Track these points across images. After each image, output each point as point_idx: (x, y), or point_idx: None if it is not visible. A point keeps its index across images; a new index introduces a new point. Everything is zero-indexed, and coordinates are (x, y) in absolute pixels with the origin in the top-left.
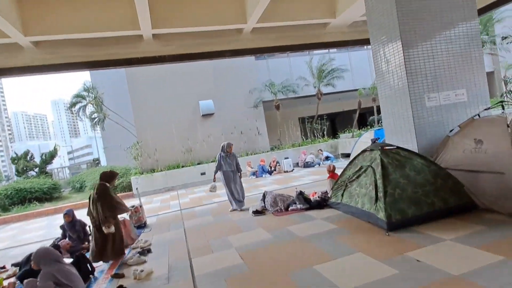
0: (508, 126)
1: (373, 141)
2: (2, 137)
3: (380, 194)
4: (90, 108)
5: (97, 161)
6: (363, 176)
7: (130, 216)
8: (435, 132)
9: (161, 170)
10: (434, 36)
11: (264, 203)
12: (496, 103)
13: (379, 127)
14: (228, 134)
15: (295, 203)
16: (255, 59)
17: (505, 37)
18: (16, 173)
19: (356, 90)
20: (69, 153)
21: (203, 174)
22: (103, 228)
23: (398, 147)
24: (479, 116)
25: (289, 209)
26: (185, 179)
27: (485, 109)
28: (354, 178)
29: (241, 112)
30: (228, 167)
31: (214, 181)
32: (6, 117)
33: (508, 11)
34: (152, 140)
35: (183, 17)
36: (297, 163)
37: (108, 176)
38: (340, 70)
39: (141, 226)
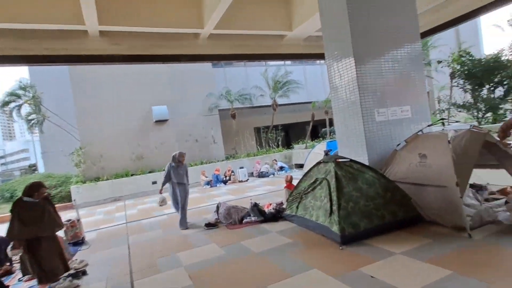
0: (449, 142)
1: (326, 153)
2: None
3: (334, 207)
4: (26, 109)
5: (34, 167)
6: (318, 188)
7: (65, 232)
8: (384, 146)
9: (107, 179)
10: (383, 54)
11: (217, 215)
12: (437, 121)
13: (331, 139)
14: (182, 142)
15: (250, 215)
16: (212, 67)
17: (440, 61)
18: None
19: (310, 102)
20: (2, 157)
21: (154, 183)
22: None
23: (351, 160)
24: (422, 132)
25: (243, 221)
26: (135, 189)
27: (428, 126)
28: (309, 190)
29: (197, 119)
30: (178, 179)
31: (160, 193)
32: None
33: (441, 39)
34: (97, 146)
35: (136, 15)
36: (252, 173)
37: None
38: (295, 83)
39: (78, 242)
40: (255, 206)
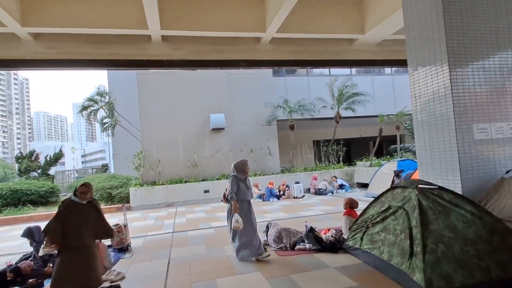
0: None
1: (396, 174)
2: (21, 135)
3: (417, 248)
4: (102, 113)
5: (106, 167)
6: (391, 219)
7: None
8: (484, 172)
9: (163, 184)
10: (488, 57)
11: (266, 236)
12: None
13: (402, 158)
14: (237, 151)
15: (304, 241)
16: (273, 76)
17: None
18: (18, 172)
19: (376, 116)
20: (83, 156)
21: (206, 192)
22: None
23: (440, 188)
24: None
25: (295, 247)
26: (187, 196)
27: None
28: (378, 219)
29: (253, 129)
30: (246, 195)
31: (236, 211)
32: (28, 116)
33: None
34: (156, 151)
35: (196, 19)
36: (308, 189)
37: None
38: (362, 95)
39: (123, 249)
40: (311, 231)
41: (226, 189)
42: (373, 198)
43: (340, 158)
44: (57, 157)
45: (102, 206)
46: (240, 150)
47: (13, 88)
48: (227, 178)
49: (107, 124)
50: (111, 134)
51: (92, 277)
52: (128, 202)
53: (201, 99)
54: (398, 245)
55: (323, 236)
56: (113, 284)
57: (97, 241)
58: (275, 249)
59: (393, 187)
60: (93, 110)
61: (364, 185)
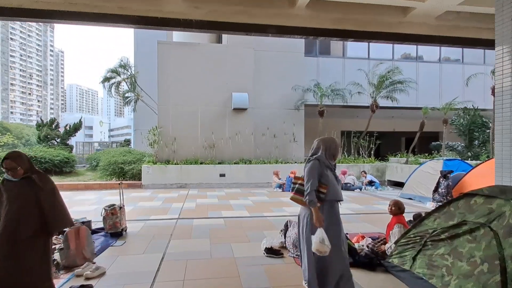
0: None
1: (444, 175)
2: (55, 106)
3: None
4: (125, 87)
5: (128, 143)
6: (465, 239)
7: (104, 219)
8: None
9: (177, 163)
10: None
11: (284, 238)
12: None
13: (448, 157)
14: (258, 135)
15: None
16: (305, 55)
17: None
18: (37, 140)
19: (418, 108)
20: (110, 130)
21: (222, 175)
22: None
23: None
24: None
25: None
26: (201, 178)
27: None
28: (443, 236)
29: (279, 112)
30: (338, 193)
31: (321, 224)
32: (62, 88)
33: None
34: (173, 128)
35: None
36: None
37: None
38: (406, 83)
39: (117, 233)
40: None
41: (294, 178)
42: (409, 200)
43: (372, 152)
44: (76, 128)
45: (113, 181)
46: (262, 134)
47: (49, 60)
48: (245, 162)
49: (129, 98)
50: (133, 109)
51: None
52: (140, 179)
53: (225, 76)
54: (476, 279)
55: (356, 245)
56: (85, 284)
57: (77, 224)
58: (294, 255)
59: (468, 194)
60: (115, 82)
61: (397, 184)
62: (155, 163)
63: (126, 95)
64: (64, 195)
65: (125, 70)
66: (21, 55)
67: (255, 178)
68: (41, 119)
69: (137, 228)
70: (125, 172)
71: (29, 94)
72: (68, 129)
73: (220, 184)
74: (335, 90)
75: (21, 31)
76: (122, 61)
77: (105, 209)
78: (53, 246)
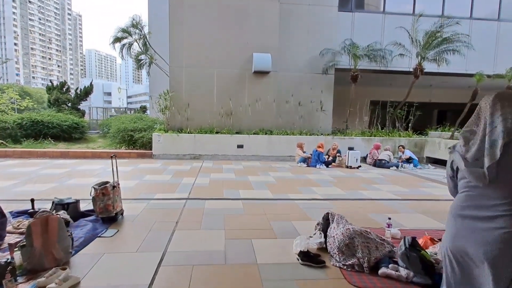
0: None
1: None
2: (74, 71)
3: None
4: (137, 49)
5: (144, 109)
6: None
7: (93, 200)
8: None
9: (190, 132)
10: None
11: (325, 237)
12: None
13: None
14: (282, 102)
15: (395, 262)
16: (338, 9)
17: None
18: (48, 103)
19: (469, 75)
20: (128, 97)
21: (240, 147)
22: None
23: None
24: None
25: (379, 271)
26: (217, 149)
27: None
28: None
29: (305, 77)
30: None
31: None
32: (80, 53)
33: None
34: (186, 92)
35: None
36: (364, 158)
37: None
38: (461, 42)
39: (110, 218)
40: (414, 249)
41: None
42: None
43: (410, 125)
44: (87, 91)
45: (123, 150)
46: (285, 101)
47: (67, 24)
48: (266, 133)
49: (142, 61)
50: (147, 73)
51: None
52: (150, 148)
53: (245, 34)
54: None
55: (428, 252)
56: None
57: (45, 213)
58: (340, 265)
59: None
60: (127, 43)
61: (437, 162)
62: (166, 131)
63: (139, 57)
64: (68, 164)
65: (137, 30)
66: (40, 19)
67: (276, 150)
68: (51, 81)
69: (137, 211)
70: (135, 140)
71: (49, 59)
72: (79, 93)
73: (237, 156)
74: (374, 51)
75: None
76: (134, 20)
77: (94, 188)
78: (11, 242)
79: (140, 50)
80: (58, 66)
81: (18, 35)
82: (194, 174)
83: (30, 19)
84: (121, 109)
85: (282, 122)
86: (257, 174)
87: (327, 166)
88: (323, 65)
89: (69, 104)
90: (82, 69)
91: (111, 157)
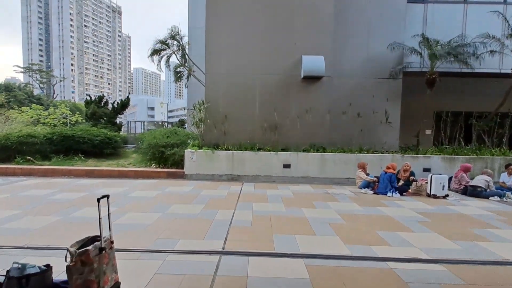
0: None
1: None
2: (123, 88)
3: None
4: (175, 61)
5: (183, 123)
6: None
7: (67, 271)
8: None
9: (227, 149)
10: None
11: None
12: None
13: None
14: (337, 113)
15: None
16: (407, 1)
17: None
18: (85, 118)
19: None
20: (170, 111)
21: (286, 167)
22: None
23: None
24: None
25: None
26: (259, 169)
27: None
28: None
29: (365, 83)
30: None
31: None
32: (129, 71)
33: None
34: (223, 103)
35: None
36: (448, 184)
37: None
38: None
39: None
40: None
41: None
42: None
43: (504, 140)
44: (123, 105)
45: (151, 168)
46: (342, 112)
47: (117, 45)
48: (318, 150)
49: (180, 73)
50: (185, 85)
51: None
52: (182, 167)
53: (293, 33)
54: None
55: None
56: None
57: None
58: None
59: None
60: (166, 55)
61: None
62: (200, 148)
63: (177, 69)
64: (88, 186)
65: (175, 41)
66: (94, 41)
67: (330, 171)
68: (89, 95)
69: (144, 277)
70: (167, 158)
71: (101, 77)
72: (115, 106)
73: (283, 178)
74: (459, 47)
75: (93, 18)
76: (172, 30)
77: (70, 251)
78: None
79: (178, 62)
80: (109, 84)
81: (74, 56)
82: (231, 204)
83: (85, 42)
84: (159, 123)
85: (337, 137)
86: (313, 205)
87: (401, 195)
88: (389, 67)
89: (105, 118)
90: (129, 86)
91: (98, 200)
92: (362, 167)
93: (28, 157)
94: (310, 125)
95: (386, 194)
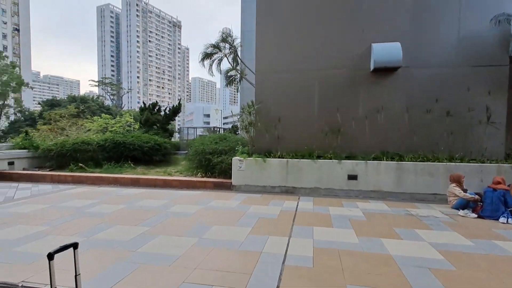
0: None
1: None
2: (182, 97)
3: None
4: (227, 65)
5: (236, 129)
6: None
7: None
8: None
9: (281, 156)
10: None
11: None
12: None
13: None
14: (418, 112)
15: None
16: None
17: None
18: (140, 125)
19: None
20: (224, 118)
21: (352, 178)
22: None
23: None
24: None
25: None
26: (318, 180)
27: None
28: None
29: (455, 73)
30: None
31: None
32: (187, 81)
33: None
34: (275, 104)
35: None
36: None
37: None
38: None
39: None
40: None
41: None
42: None
43: None
44: (175, 111)
45: (197, 178)
46: (425, 110)
47: (177, 57)
48: (392, 158)
49: (232, 77)
50: (237, 89)
51: None
52: (230, 177)
53: (360, 18)
54: None
55: None
56: None
57: None
58: None
59: None
60: (217, 58)
61: None
62: (250, 155)
63: (229, 73)
64: (129, 196)
65: (227, 44)
66: (156, 55)
67: (410, 185)
68: (143, 103)
69: None
70: (214, 166)
71: (162, 88)
72: (167, 112)
73: (348, 191)
74: None
75: (156, 34)
76: (223, 33)
77: None
78: None
79: (230, 65)
80: (169, 93)
81: (139, 70)
82: (286, 228)
83: (149, 56)
84: (211, 129)
85: (418, 142)
86: (395, 233)
87: None
88: (488, 51)
89: (158, 125)
90: (187, 95)
91: (50, 256)
92: (457, 181)
93: (80, 164)
94: (381, 127)
95: (497, 219)
